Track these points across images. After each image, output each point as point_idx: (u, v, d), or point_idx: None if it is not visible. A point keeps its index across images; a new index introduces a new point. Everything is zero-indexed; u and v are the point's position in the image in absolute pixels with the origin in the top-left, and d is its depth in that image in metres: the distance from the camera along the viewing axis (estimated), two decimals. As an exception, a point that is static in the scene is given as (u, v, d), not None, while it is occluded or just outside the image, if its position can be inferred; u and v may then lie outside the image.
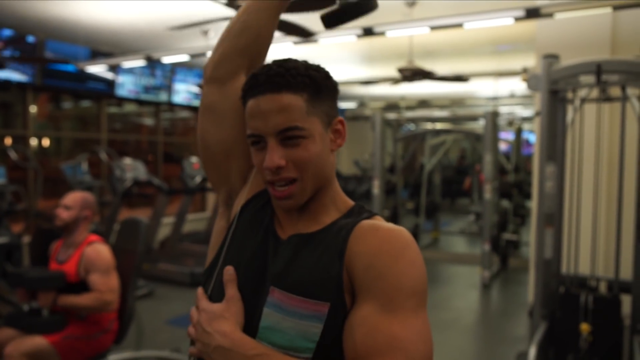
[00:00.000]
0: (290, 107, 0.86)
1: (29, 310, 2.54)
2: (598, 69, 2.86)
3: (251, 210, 0.99)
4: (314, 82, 0.89)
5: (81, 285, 2.60)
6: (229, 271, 0.92)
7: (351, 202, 0.99)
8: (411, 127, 11.23)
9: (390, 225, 0.89)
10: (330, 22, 1.20)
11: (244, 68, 1.02)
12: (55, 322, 2.53)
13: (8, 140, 6.33)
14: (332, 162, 0.94)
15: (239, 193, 1.04)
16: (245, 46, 1.01)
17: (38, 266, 3.17)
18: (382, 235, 0.86)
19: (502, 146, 9.68)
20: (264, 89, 0.87)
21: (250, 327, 0.88)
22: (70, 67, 6.30)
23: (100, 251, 2.63)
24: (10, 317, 2.62)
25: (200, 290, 0.95)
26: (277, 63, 0.90)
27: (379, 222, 0.91)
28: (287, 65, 0.89)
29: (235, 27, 1.02)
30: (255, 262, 0.93)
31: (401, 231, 0.88)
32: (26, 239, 5.06)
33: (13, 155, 5.47)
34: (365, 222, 0.90)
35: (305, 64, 0.90)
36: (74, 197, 2.71)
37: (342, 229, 0.90)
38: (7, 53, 5.52)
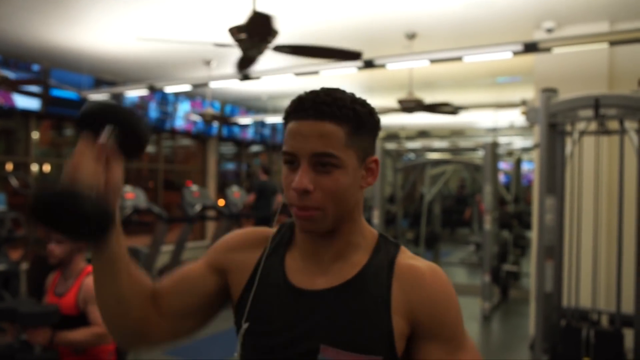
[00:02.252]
0: (330, 134, 0.87)
1: (19, 346, 2.44)
2: (596, 103, 2.90)
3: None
4: (358, 116, 0.89)
5: (81, 318, 2.55)
6: None
7: (375, 232, 0.99)
8: (411, 157, 11.27)
9: (427, 265, 0.94)
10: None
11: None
12: (49, 359, 2.47)
13: (9, 167, 6.35)
14: (359, 198, 0.94)
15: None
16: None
17: (34, 297, 3.10)
18: (430, 283, 0.91)
19: (502, 177, 9.70)
20: (308, 115, 0.88)
21: None
22: (73, 95, 6.37)
23: (99, 281, 2.59)
24: (0, 353, 2.52)
25: None
26: (325, 91, 0.90)
27: (413, 260, 0.95)
28: (334, 95, 0.89)
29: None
30: (279, 322, 0.92)
31: (438, 271, 0.94)
32: (24, 267, 5.03)
33: (14, 182, 5.48)
34: (401, 263, 0.93)
35: (351, 97, 0.91)
36: None
37: (380, 274, 0.92)
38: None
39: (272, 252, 0.99)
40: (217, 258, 1.01)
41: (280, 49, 3.21)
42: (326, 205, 0.88)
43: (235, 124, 9.12)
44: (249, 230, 1.05)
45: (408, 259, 0.94)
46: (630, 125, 3.12)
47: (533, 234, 4.32)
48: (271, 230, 1.03)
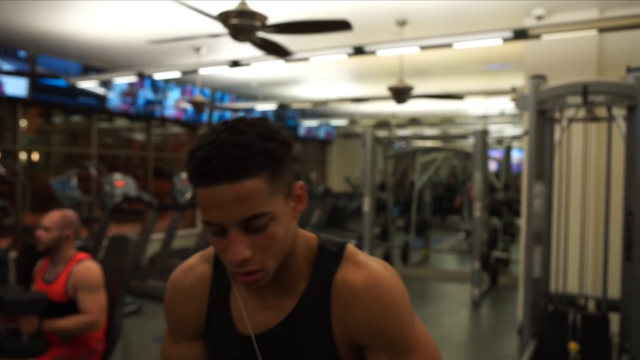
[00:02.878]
0: (252, 194, 0.76)
1: (7, 334, 2.43)
2: (584, 90, 2.91)
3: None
4: (273, 157, 0.78)
5: (70, 305, 2.54)
6: None
7: (314, 247, 0.92)
8: (402, 144, 11.30)
9: (364, 277, 0.86)
10: None
11: None
12: (37, 347, 2.43)
13: (-3, 155, 6.29)
14: (294, 229, 0.87)
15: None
16: None
17: (22, 284, 3.09)
18: (365, 300, 0.85)
19: (493, 164, 9.74)
20: (219, 179, 0.75)
21: None
22: (61, 82, 6.30)
23: (90, 269, 2.58)
24: None
25: None
26: (228, 141, 0.76)
27: (353, 271, 0.88)
28: (241, 143, 0.76)
29: None
30: None
31: (377, 281, 0.86)
32: (13, 255, 5.00)
33: (1, 169, 5.43)
34: (339, 281, 0.87)
35: (260, 134, 0.78)
36: (52, 218, 2.60)
37: (319, 298, 0.88)
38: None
39: (216, 299, 0.95)
40: (177, 327, 1.01)
41: (268, 29, 3.19)
42: (268, 263, 0.82)
43: (227, 109, 9.08)
44: (185, 281, 0.98)
45: (347, 271, 0.88)
46: (618, 112, 3.14)
47: (522, 221, 4.35)
48: (207, 270, 0.97)
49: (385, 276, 0.87)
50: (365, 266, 0.87)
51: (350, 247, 0.92)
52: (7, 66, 5.73)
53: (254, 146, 0.76)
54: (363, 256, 0.91)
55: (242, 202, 0.76)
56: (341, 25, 3.19)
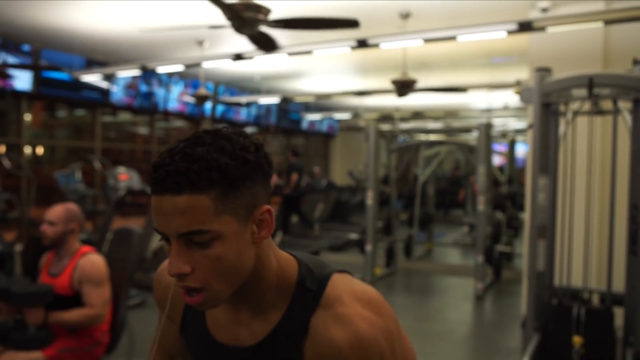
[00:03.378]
0: (191, 209, 0.73)
1: (14, 325, 2.44)
2: (590, 83, 2.89)
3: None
4: (225, 175, 0.74)
5: (75, 299, 2.56)
6: None
7: (294, 273, 0.86)
8: (405, 138, 11.28)
9: (348, 335, 0.79)
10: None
11: None
12: (43, 338, 2.45)
13: (2, 148, 6.31)
14: (260, 254, 0.81)
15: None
16: None
17: (28, 277, 3.11)
18: (350, 357, 0.78)
19: (497, 159, 9.70)
20: (163, 188, 0.73)
21: None
22: (65, 76, 6.30)
23: (95, 262, 2.59)
24: None
25: None
26: (182, 152, 0.74)
27: (332, 328, 0.80)
28: (192, 156, 0.73)
29: None
30: None
31: (361, 338, 0.79)
32: (18, 248, 5.03)
33: (6, 163, 5.45)
34: (317, 329, 0.81)
35: (221, 149, 0.74)
36: (57, 212, 2.60)
37: (290, 337, 0.83)
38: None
39: None
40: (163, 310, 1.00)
41: (274, 23, 3.18)
42: (211, 283, 0.77)
43: (230, 103, 9.08)
44: (165, 277, 0.97)
45: (327, 324, 0.81)
46: (623, 105, 3.12)
47: (526, 215, 4.34)
48: None
49: (371, 330, 0.80)
50: (348, 323, 0.80)
51: (332, 285, 0.84)
52: (12, 60, 5.74)
53: (205, 161, 0.73)
54: (346, 297, 0.82)
55: (182, 216, 0.73)
56: (349, 24, 3.18)
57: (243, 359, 0.86)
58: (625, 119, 3.07)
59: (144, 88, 7.39)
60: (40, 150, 7.01)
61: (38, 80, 6.07)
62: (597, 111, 3.11)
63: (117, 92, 7.03)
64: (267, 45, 3.63)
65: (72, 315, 2.50)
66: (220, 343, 0.88)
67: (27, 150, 6.56)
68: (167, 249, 0.77)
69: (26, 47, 5.88)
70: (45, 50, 6.06)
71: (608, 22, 3.83)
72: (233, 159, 0.74)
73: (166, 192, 0.73)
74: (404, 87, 5.20)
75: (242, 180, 0.75)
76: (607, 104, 3.20)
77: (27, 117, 6.48)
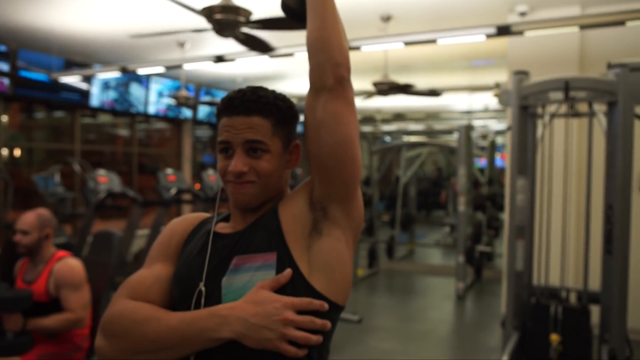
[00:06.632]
0: (258, 126, 1.04)
1: None
2: (566, 86, 2.95)
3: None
4: (280, 110, 1.07)
5: (53, 305, 2.52)
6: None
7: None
8: (387, 139, 11.33)
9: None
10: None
11: None
12: (21, 344, 2.42)
13: (-22, 151, 6.20)
14: (286, 176, 1.12)
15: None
16: None
17: (6, 282, 3.05)
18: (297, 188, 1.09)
19: (483, 160, 9.76)
20: (238, 111, 1.04)
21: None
22: (43, 77, 6.22)
23: (72, 266, 2.56)
24: None
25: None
26: (251, 90, 1.06)
27: (291, 193, 1.10)
28: (259, 93, 1.06)
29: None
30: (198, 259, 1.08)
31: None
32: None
33: (-17, 166, 5.35)
34: (285, 201, 1.09)
35: (274, 94, 1.08)
36: (29, 220, 2.55)
37: (270, 214, 1.08)
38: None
39: (207, 222, 1.16)
40: (164, 244, 1.15)
41: (253, 24, 3.18)
42: (259, 181, 1.05)
43: (213, 104, 9.02)
44: (180, 217, 1.21)
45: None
46: (598, 107, 3.19)
47: (506, 216, 4.41)
48: (196, 218, 1.19)
49: None
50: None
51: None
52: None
53: (268, 97, 1.06)
54: None
55: (250, 130, 1.03)
56: None
57: (235, 239, 1.06)
58: (601, 121, 3.14)
59: (124, 90, 7.32)
60: (17, 152, 6.90)
61: (15, 81, 5.97)
62: (574, 114, 3.17)
63: (97, 94, 6.95)
64: (258, 46, 3.62)
65: (52, 320, 2.47)
66: (219, 233, 1.09)
67: (4, 152, 6.45)
68: (221, 159, 1.05)
69: (2, 48, 5.78)
70: (22, 51, 5.97)
71: (584, 27, 3.91)
72: (285, 102, 1.09)
73: (240, 114, 1.04)
74: (386, 90, 5.22)
75: (289, 118, 1.09)
76: (583, 107, 3.27)
77: (4, 118, 6.38)
